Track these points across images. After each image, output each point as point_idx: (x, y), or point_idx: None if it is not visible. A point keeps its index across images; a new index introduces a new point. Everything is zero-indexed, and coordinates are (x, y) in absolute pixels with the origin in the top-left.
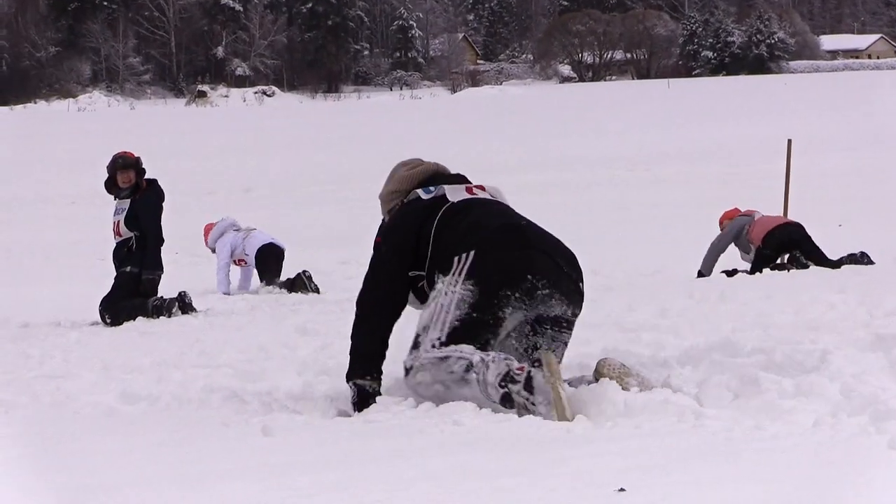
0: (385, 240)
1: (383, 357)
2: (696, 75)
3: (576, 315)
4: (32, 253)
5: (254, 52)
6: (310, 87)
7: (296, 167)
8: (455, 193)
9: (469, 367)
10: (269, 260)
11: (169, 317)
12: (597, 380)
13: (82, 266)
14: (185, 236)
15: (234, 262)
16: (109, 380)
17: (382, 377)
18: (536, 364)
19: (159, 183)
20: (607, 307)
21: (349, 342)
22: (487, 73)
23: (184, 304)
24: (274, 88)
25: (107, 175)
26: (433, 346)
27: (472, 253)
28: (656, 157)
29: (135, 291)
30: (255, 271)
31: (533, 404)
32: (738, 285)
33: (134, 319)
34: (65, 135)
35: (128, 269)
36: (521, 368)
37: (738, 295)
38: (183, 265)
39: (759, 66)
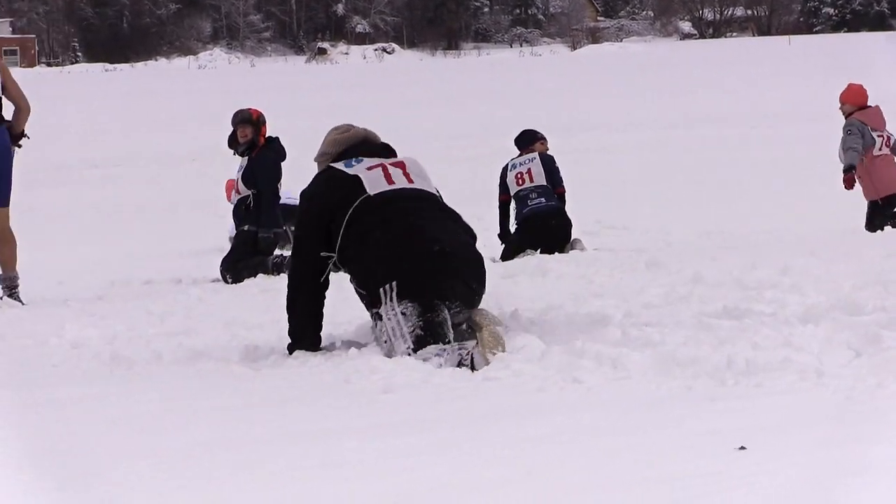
0: (305, 211)
1: (318, 331)
2: (816, 32)
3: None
4: (152, 210)
5: (374, 9)
6: (430, 45)
7: (417, 124)
8: (374, 184)
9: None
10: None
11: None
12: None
13: (202, 223)
14: None
15: None
16: (231, 337)
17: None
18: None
19: (280, 141)
20: (728, 265)
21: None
22: (608, 29)
23: None
24: (394, 45)
25: (232, 129)
26: (408, 356)
27: (394, 283)
28: (777, 115)
29: (254, 250)
30: None
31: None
32: (860, 244)
33: (255, 277)
34: (185, 92)
35: (245, 227)
36: (467, 352)
37: (859, 253)
38: None
39: (880, 22)
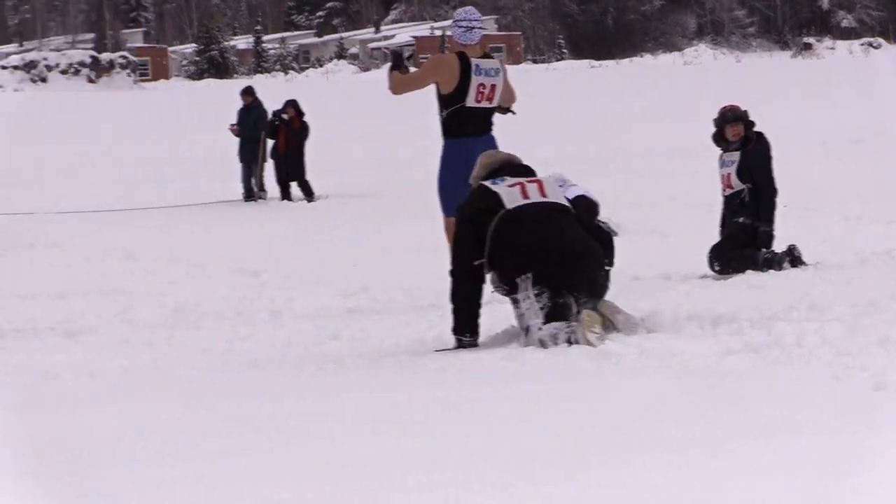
0: (458, 221)
1: (475, 318)
2: None
3: (601, 298)
4: (636, 204)
5: (859, 4)
6: None
7: None
8: (511, 199)
9: (549, 340)
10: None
11: (779, 270)
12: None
13: (690, 217)
14: (794, 188)
15: None
16: (711, 336)
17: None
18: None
19: (765, 136)
20: None
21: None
22: None
23: (793, 257)
24: (880, 40)
25: (714, 128)
26: (538, 329)
27: (529, 273)
28: None
29: (746, 242)
30: None
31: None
32: None
33: (743, 271)
34: (670, 88)
35: (741, 219)
36: (571, 329)
37: None
38: (792, 217)
39: None
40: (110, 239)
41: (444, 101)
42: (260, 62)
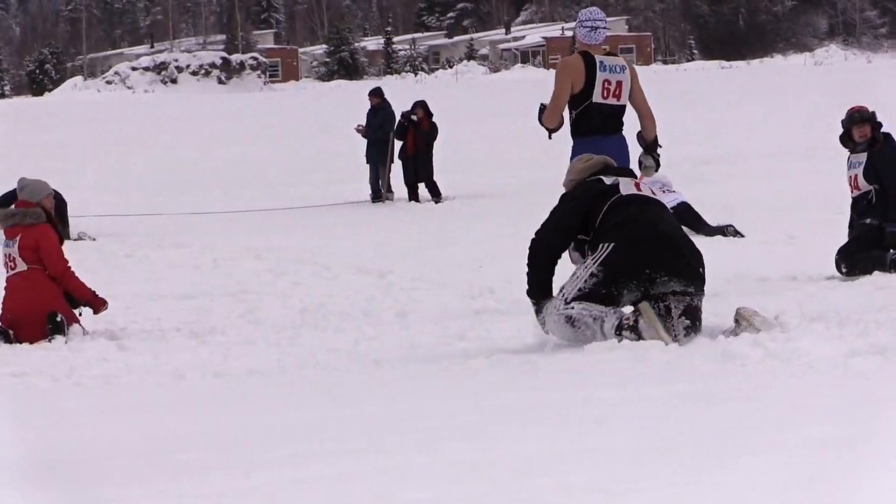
0: (564, 202)
1: (549, 282)
2: None
3: (698, 288)
4: (764, 206)
5: None
6: None
7: None
8: (626, 187)
9: (591, 322)
10: None
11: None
12: (737, 322)
13: (819, 218)
14: None
15: None
16: (838, 337)
17: None
18: (637, 314)
19: (893, 137)
20: None
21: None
22: None
23: None
24: None
25: (842, 129)
26: (563, 302)
27: (611, 245)
28: None
29: (874, 243)
30: None
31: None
32: None
33: (869, 272)
34: (800, 89)
35: (867, 221)
36: (628, 318)
37: None
38: None
39: None
40: (237, 240)
41: (573, 100)
42: (390, 63)
